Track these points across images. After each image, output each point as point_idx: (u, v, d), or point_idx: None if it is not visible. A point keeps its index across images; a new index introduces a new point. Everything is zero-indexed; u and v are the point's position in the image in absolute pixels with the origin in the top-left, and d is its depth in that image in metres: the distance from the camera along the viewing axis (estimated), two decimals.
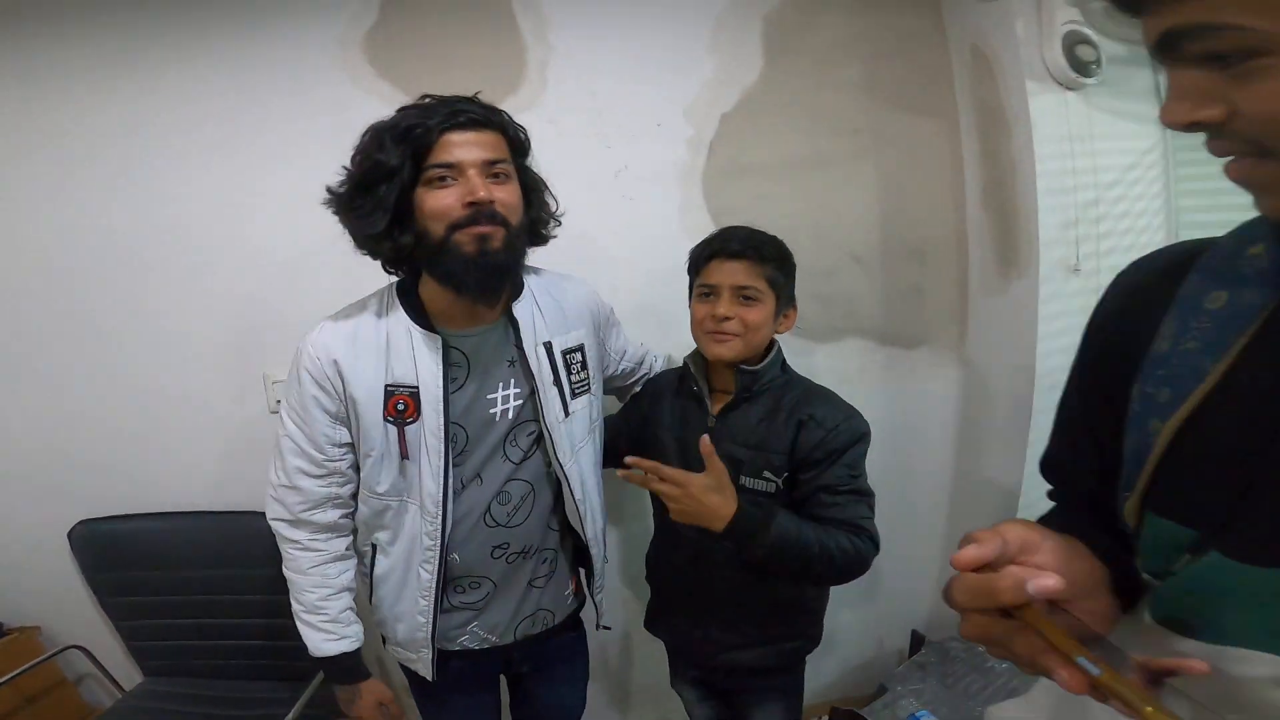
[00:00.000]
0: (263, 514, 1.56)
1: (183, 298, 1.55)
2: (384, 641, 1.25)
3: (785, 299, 1.20)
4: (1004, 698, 1.62)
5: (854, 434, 1.16)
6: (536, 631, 1.25)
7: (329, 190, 1.05)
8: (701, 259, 1.22)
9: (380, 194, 0.97)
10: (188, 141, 1.50)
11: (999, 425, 1.68)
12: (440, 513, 1.08)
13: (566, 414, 1.15)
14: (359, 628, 1.18)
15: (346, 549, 1.17)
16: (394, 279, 1.13)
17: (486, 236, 0.99)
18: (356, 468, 1.12)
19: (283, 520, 1.13)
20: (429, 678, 1.17)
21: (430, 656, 1.15)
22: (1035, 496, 1.63)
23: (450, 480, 1.08)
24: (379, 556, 1.15)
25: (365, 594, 1.20)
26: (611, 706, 1.94)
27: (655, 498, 1.34)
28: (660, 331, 1.69)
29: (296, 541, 1.12)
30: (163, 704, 1.63)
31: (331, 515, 1.13)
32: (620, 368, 1.40)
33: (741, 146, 1.65)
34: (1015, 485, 1.63)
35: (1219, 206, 1.52)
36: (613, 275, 1.64)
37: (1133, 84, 1.48)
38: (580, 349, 1.20)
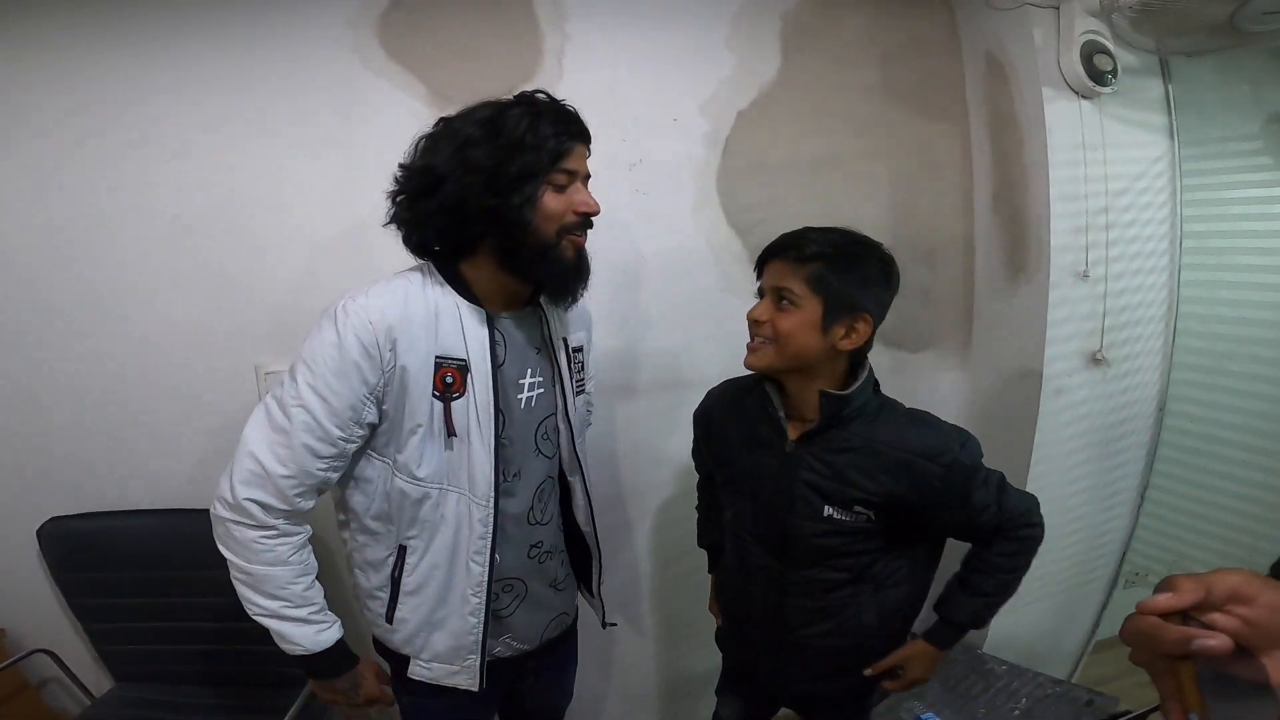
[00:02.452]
0: None
1: (168, 285, 1.47)
2: (395, 666, 1.14)
3: (840, 307, 1.03)
4: (1005, 700, 1.64)
5: (972, 461, 1.05)
6: (556, 635, 1.22)
7: (442, 176, 0.98)
8: (759, 258, 1.12)
9: (528, 191, 0.98)
10: (180, 121, 1.42)
11: (1003, 430, 1.70)
12: (493, 495, 1.03)
13: (575, 409, 1.16)
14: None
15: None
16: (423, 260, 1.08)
17: (582, 246, 1.04)
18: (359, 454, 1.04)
19: (262, 505, 0.97)
20: (475, 688, 1.09)
21: (479, 662, 1.08)
22: (1039, 499, 1.66)
23: (500, 463, 1.04)
24: (409, 559, 1.05)
25: (382, 611, 1.09)
26: (624, 702, 1.91)
27: (731, 519, 1.24)
28: (670, 327, 1.68)
29: (271, 528, 0.99)
30: (134, 711, 1.55)
31: (311, 503, 1.02)
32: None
33: (757, 144, 1.64)
34: None
35: (1222, 216, 1.57)
36: (625, 269, 1.62)
37: (1145, 94, 1.52)
38: (581, 349, 1.21)
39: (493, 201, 0.96)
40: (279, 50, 1.43)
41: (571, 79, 1.54)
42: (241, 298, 1.50)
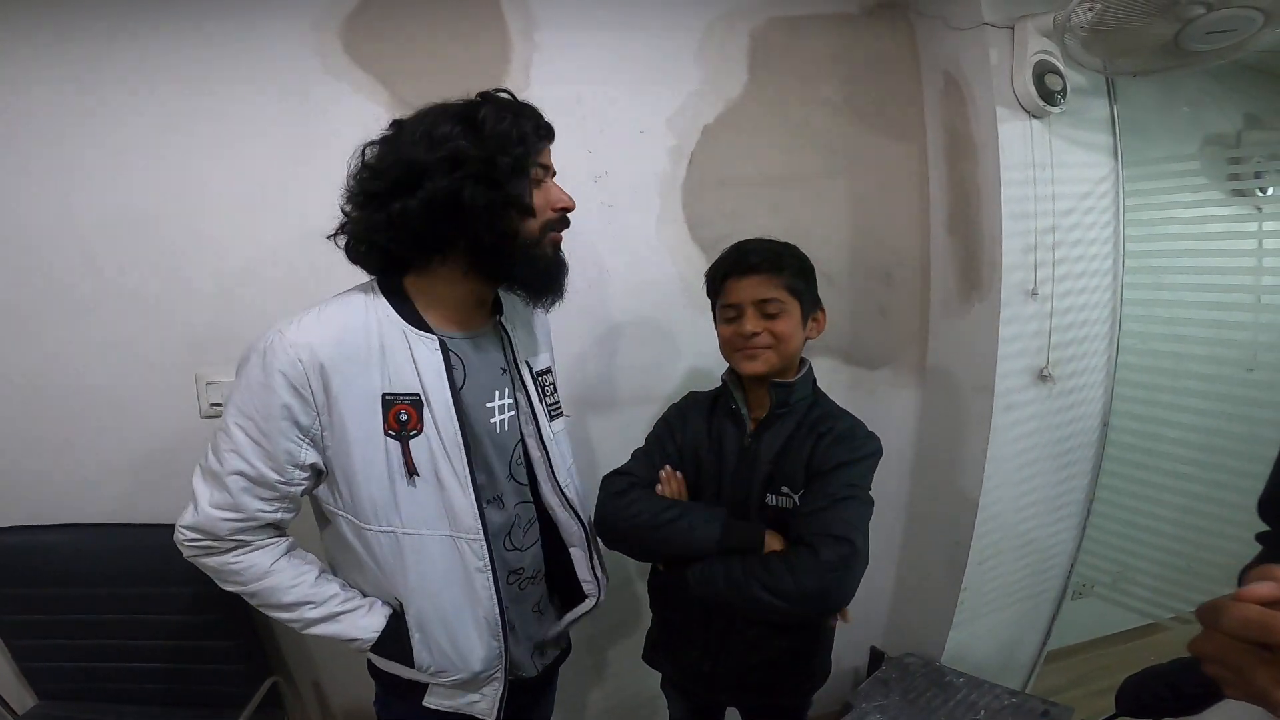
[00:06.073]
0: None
1: (102, 291, 1.39)
2: (405, 693, 1.07)
3: (809, 304, 1.19)
4: (964, 712, 1.65)
5: (867, 450, 1.16)
6: (549, 662, 1.18)
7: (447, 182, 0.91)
8: (718, 279, 1.21)
9: (522, 184, 0.95)
10: (128, 121, 1.36)
11: (957, 446, 1.73)
12: (480, 526, 0.98)
13: (553, 434, 1.11)
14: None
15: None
16: (371, 277, 1.01)
17: (560, 243, 1.03)
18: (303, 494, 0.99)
19: (211, 539, 0.94)
20: (492, 717, 1.07)
21: (500, 690, 1.06)
22: (992, 513, 1.70)
23: (478, 491, 0.98)
24: (408, 615, 1.00)
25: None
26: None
27: None
28: (634, 342, 1.68)
29: (236, 547, 0.95)
30: None
31: (275, 521, 0.97)
32: None
33: (721, 159, 1.66)
34: (972, 508, 1.68)
35: (1162, 236, 1.64)
36: (589, 282, 1.62)
37: (1092, 114, 1.58)
38: (549, 371, 1.17)
39: (491, 194, 0.91)
40: (236, 48, 1.39)
41: (539, 88, 1.54)
42: (183, 305, 1.43)
